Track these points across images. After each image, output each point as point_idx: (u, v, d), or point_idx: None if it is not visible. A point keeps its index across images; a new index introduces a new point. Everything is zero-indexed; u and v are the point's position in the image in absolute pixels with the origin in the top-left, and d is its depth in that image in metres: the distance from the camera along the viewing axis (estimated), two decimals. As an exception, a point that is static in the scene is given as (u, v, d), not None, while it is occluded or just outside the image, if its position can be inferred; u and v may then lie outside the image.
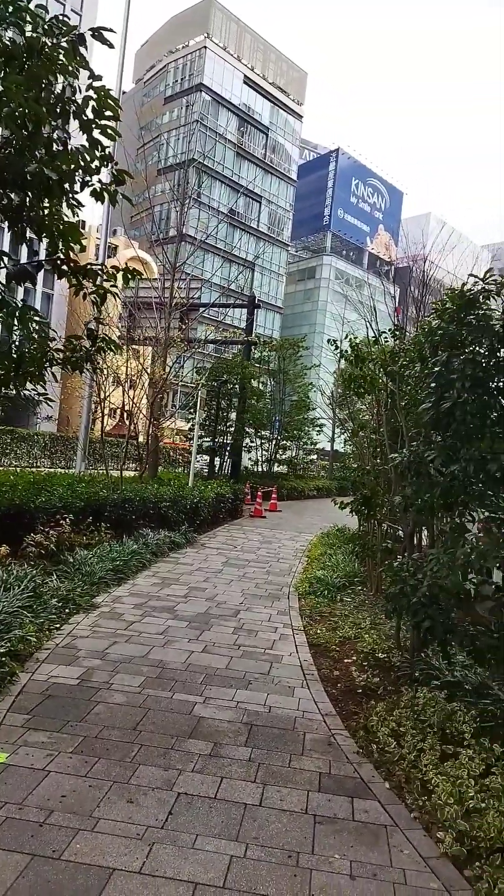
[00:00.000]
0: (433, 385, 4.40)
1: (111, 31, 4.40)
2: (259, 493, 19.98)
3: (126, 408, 16.61)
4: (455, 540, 4.51)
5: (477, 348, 4.34)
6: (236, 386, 22.57)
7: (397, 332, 7.41)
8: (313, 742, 4.51)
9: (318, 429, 31.30)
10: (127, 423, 17.33)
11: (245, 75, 65.80)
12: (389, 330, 7.71)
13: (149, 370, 16.09)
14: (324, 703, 5.24)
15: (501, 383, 4.37)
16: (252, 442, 27.04)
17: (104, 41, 4.43)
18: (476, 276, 4.55)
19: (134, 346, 16.91)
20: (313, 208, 77.78)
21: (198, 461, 19.24)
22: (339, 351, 8.32)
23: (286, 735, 4.57)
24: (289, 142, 71.99)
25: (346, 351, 7.78)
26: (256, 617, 7.66)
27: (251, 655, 6.22)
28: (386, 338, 7.78)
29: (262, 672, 5.80)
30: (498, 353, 4.30)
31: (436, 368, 4.38)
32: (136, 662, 5.65)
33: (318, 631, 7.16)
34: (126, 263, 5.50)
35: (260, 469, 28.57)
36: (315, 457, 38.36)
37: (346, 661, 6.26)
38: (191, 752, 4.14)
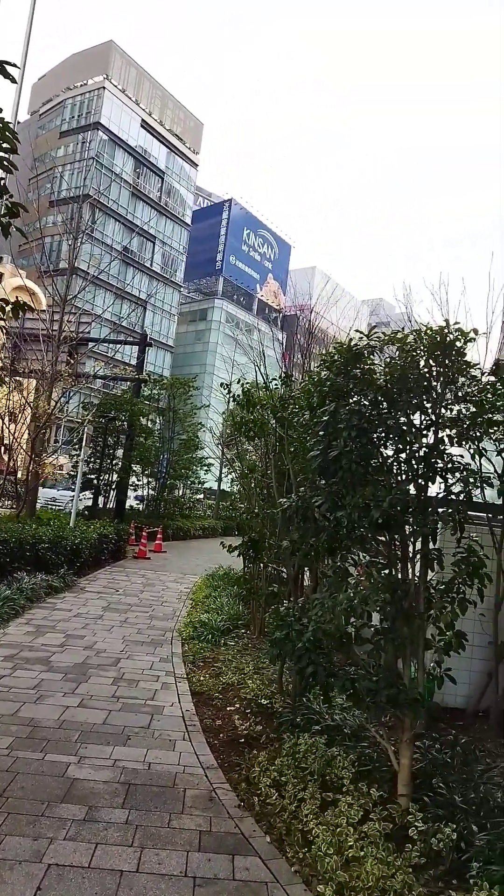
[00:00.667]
0: (322, 433, 4.53)
1: (14, 65, 4.30)
2: (144, 534, 19.53)
3: (5, 442, 15.75)
4: (338, 584, 4.61)
5: (362, 400, 4.55)
6: (125, 423, 22.17)
7: (287, 380, 7.64)
8: (194, 798, 4.35)
9: (206, 468, 31.34)
10: (5, 457, 16.42)
11: (143, 119, 66.94)
12: (279, 377, 7.93)
13: (32, 404, 15.42)
14: (206, 756, 5.09)
15: (383, 434, 4.59)
16: (139, 480, 26.55)
17: (7, 75, 4.31)
18: (361, 333, 4.80)
19: (17, 378, 16.18)
20: (207, 252, 79.58)
21: (81, 499, 18.54)
22: (230, 394, 8.44)
23: (166, 793, 4.37)
24: (184, 187, 73.68)
25: (238, 395, 7.90)
26: (138, 665, 7.37)
27: (131, 708, 5.95)
28: (276, 383, 7.99)
29: (143, 725, 5.55)
30: (381, 405, 4.52)
31: (324, 417, 4.53)
32: (4, 721, 5.21)
33: (202, 678, 7.01)
34: (13, 292, 5.28)
35: (146, 508, 28.04)
36: (202, 496, 38.30)
37: (229, 708, 6.15)
38: (63, 817, 3.84)
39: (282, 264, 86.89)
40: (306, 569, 7.25)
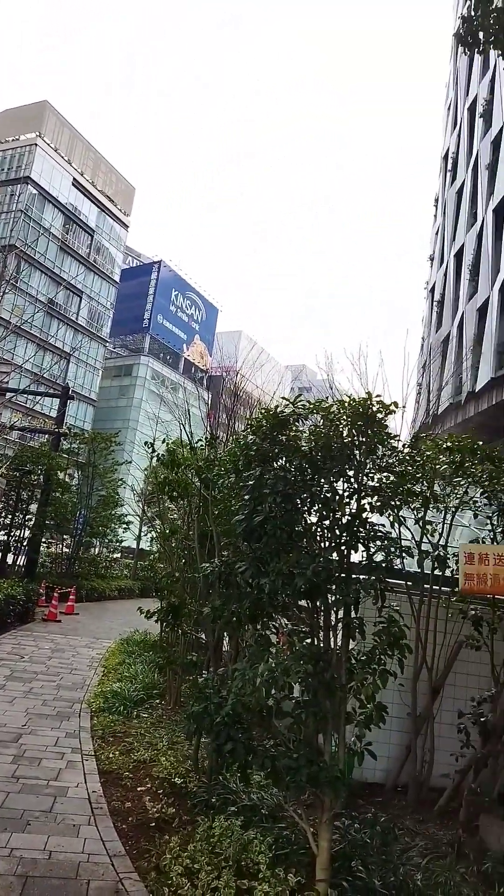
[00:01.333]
0: (247, 497, 4.51)
1: None
2: (55, 595, 18.57)
3: None
4: (259, 654, 4.50)
5: (287, 465, 4.58)
6: (41, 477, 21.38)
7: (212, 440, 7.63)
8: (99, 891, 3.99)
9: (125, 526, 30.52)
10: None
11: (74, 178, 67.90)
12: (204, 437, 7.92)
13: None
14: (112, 843, 4.71)
15: (307, 500, 4.62)
16: (53, 537, 25.44)
17: None
18: (287, 399, 4.89)
19: None
20: (134, 310, 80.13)
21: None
22: (154, 454, 8.32)
23: (68, 885, 3.99)
24: (113, 246, 74.63)
25: (162, 454, 7.80)
26: (41, 741, 6.84)
27: (32, 789, 5.47)
28: (201, 443, 7.96)
29: (44, 809, 5.10)
30: (306, 472, 4.56)
31: (250, 481, 4.52)
32: None
33: (111, 755, 6.56)
34: None
35: (59, 567, 26.81)
36: (119, 555, 37.11)
37: (139, 789, 5.77)
38: None
39: (209, 326, 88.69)
40: (227, 636, 7.06)
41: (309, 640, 4.43)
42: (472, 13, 6.17)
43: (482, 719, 5.47)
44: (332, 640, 4.46)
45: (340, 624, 4.43)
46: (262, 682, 4.12)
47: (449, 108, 39.32)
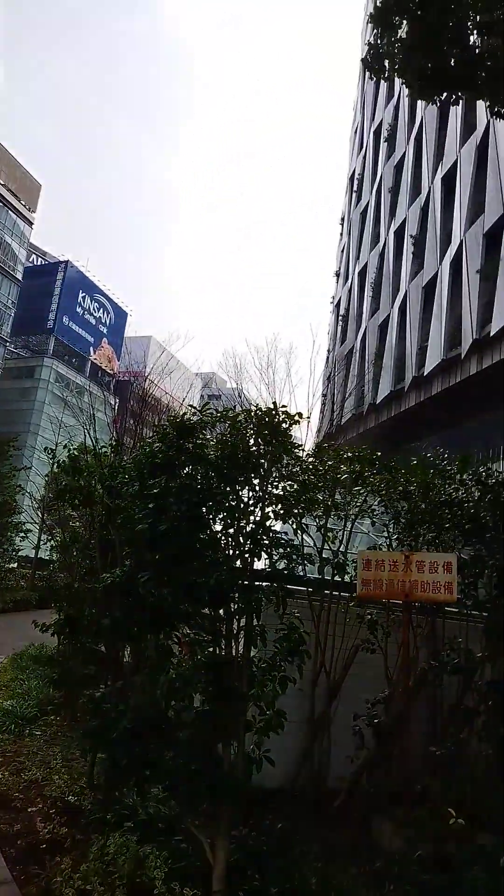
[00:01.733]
0: (151, 505, 4.44)
1: None
2: None
3: None
4: (160, 665, 4.43)
5: (193, 474, 4.56)
6: None
7: (117, 447, 7.46)
8: (-19, 926, 3.75)
9: (22, 535, 29.19)
10: None
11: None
12: (109, 443, 7.73)
13: None
14: (-1, 870, 4.45)
15: (212, 508, 4.61)
16: None
17: None
18: (195, 408, 4.87)
19: None
20: (39, 311, 77.22)
21: None
22: (55, 460, 8.01)
23: None
24: (16, 242, 71.78)
25: (64, 461, 7.54)
26: None
27: None
28: (106, 450, 7.76)
29: None
30: (211, 480, 4.56)
31: (155, 490, 4.45)
32: None
33: (0, 776, 6.22)
34: None
35: None
36: (16, 565, 35.46)
37: (30, 809, 5.49)
38: None
39: (118, 330, 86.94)
40: (128, 648, 6.89)
41: (211, 649, 4.41)
42: (379, 41, 6.46)
43: (375, 721, 5.65)
44: (234, 648, 4.47)
45: (242, 632, 4.45)
46: (162, 694, 4.06)
47: (356, 132, 40.93)
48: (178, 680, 3.97)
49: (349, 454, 5.57)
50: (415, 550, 5.61)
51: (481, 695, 5.18)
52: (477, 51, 7.09)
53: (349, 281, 38.28)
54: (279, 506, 4.92)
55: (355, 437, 29.85)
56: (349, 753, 5.90)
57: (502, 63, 7.08)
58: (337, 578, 6.05)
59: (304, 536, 5.74)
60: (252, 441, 4.73)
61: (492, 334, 20.85)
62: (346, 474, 5.50)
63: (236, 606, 4.42)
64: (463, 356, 22.98)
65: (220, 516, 4.67)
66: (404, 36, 6.37)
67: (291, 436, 4.89)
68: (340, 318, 39.17)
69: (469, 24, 6.61)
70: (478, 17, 6.81)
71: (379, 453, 5.69)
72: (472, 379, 22.91)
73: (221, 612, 4.51)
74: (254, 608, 4.23)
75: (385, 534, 6.06)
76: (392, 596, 5.24)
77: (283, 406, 4.95)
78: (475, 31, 6.89)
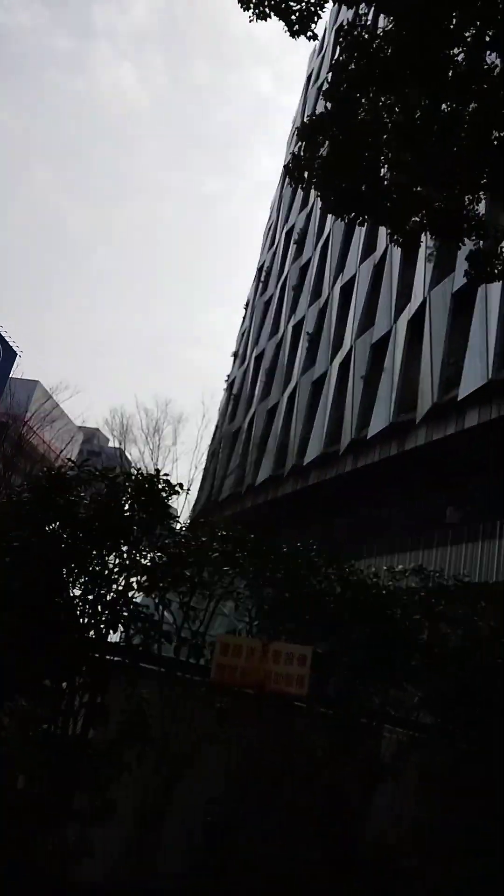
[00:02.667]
0: (8, 560, 4.12)
1: None
2: None
3: None
4: None
5: (60, 531, 4.32)
6: None
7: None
8: None
9: None
10: None
11: None
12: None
13: None
14: None
15: (75, 570, 4.37)
16: None
17: None
18: (73, 462, 4.68)
19: None
20: None
21: None
22: None
23: None
24: None
25: None
26: None
27: None
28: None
29: None
30: (78, 541, 4.34)
31: (15, 543, 4.15)
32: None
33: None
34: None
35: None
36: None
37: None
38: None
39: (3, 369, 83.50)
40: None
41: (46, 726, 4.04)
42: (302, 153, 7.03)
43: (208, 818, 5.37)
44: (73, 726, 4.13)
45: (84, 709, 4.14)
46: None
47: (270, 228, 43.69)
48: (2, 758, 3.57)
49: (223, 532, 5.54)
50: (274, 640, 5.57)
51: (319, 798, 5.11)
52: (385, 182, 7.92)
53: (245, 363, 39.70)
54: (145, 577, 4.75)
55: (232, 516, 30.07)
56: (183, 850, 5.52)
57: (405, 199, 7.95)
58: (192, 660, 5.85)
59: (165, 612, 5.54)
60: (127, 505, 4.60)
61: (368, 437, 22.24)
62: (217, 552, 5.45)
63: (82, 680, 4.12)
64: (340, 453, 24.22)
65: (82, 580, 4.42)
66: (325, 154, 6.98)
67: (169, 506, 4.81)
68: (232, 397, 40.24)
69: (382, 158, 7.39)
70: (390, 155, 7.65)
71: (252, 535, 5.71)
72: (346, 476, 24.11)
73: (65, 685, 4.18)
74: (100, 685, 3.96)
75: (247, 619, 5.99)
76: (246, 685, 5.12)
77: (166, 474, 4.89)
78: (386, 166, 7.72)
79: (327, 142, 7.09)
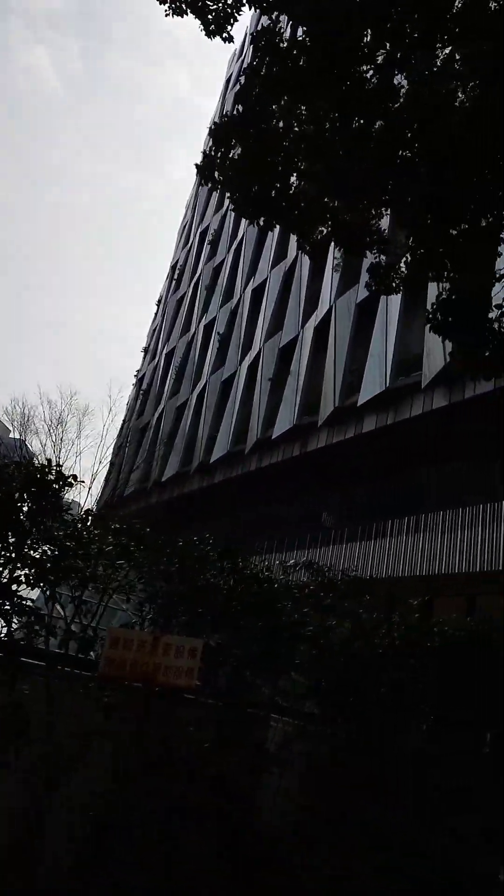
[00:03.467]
0: None
1: None
2: None
3: None
4: None
5: None
6: None
7: None
8: None
9: None
10: None
11: None
12: None
13: None
14: None
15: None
16: None
17: None
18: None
19: None
20: None
21: None
22: None
23: None
24: None
25: None
26: None
27: None
28: None
29: None
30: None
31: None
32: None
33: None
34: None
35: None
36: None
37: None
38: None
39: None
40: None
41: None
42: (214, 153, 7.08)
43: (92, 813, 5.30)
44: None
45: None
46: None
47: (185, 227, 43.50)
48: None
49: (116, 525, 5.49)
50: (166, 633, 5.58)
51: (206, 789, 5.17)
52: (295, 191, 8.11)
53: (156, 359, 39.30)
54: (33, 570, 4.63)
55: (137, 511, 29.64)
56: (68, 846, 5.40)
57: (313, 209, 8.18)
58: (81, 655, 5.75)
59: (55, 606, 5.41)
60: (17, 496, 4.46)
61: (273, 438, 22.65)
62: (111, 546, 5.39)
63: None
64: (246, 452, 24.51)
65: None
66: (236, 157, 7.07)
67: (63, 497, 4.71)
68: (142, 392, 39.70)
69: (292, 166, 7.57)
70: (300, 164, 7.85)
71: (148, 529, 5.69)
72: (252, 474, 24.43)
73: None
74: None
75: (141, 612, 5.96)
76: (134, 678, 5.09)
77: (59, 465, 4.79)
78: (295, 174, 7.90)
79: (238, 144, 7.18)
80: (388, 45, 7.57)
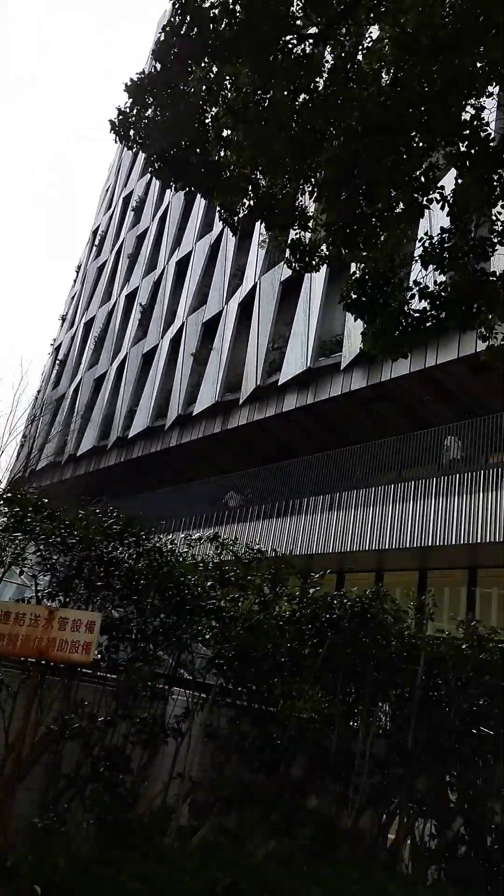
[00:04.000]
0: None
1: None
2: None
3: None
4: None
5: None
6: None
7: None
8: None
9: None
10: None
11: None
12: None
13: None
14: None
15: None
16: None
17: None
18: None
19: None
20: None
21: None
22: None
23: None
24: None
25: None
26: None
27: None
28: None
29: None
30: None
31: None
32: None
33: None
34: None
35: None
36: None
37: None
38: None
39: None
40: None
41: None
42: (129, 111, 6.77)
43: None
44: None
45: None
46: None
47: (107, 191, 41.92)
48: None
49: (9, 495, 5.25)
50: (64, 607, 5.43)
51: (96, 762, 5.10)
52: (217, 158, 7.89)
53: (74, 328, 37.92)
54: None
55: (51, 485, 28.72)
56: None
57: (234, 179, 8.00)
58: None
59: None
60: None
61: (194, 414, 22.46)
62: (5, 516, 5.15)
63: None
64: (167, 428, 24.19)
65: None
66: (152, 116, 6.79)
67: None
68: (58, 362, 38.28)
69: (211, 132, 7.35)
70: (223, 133, 7.64)
71: (46, 500, 5.48)
72: (172, 450, 24.17)
73: None
74: None
75: (37, 586, 5.75)
76: (26, 653, 4.91)
77: None
78: (217, 141, 7.69)
79: (155, 103, 6.89)
80: (316, 17, 7.45)
